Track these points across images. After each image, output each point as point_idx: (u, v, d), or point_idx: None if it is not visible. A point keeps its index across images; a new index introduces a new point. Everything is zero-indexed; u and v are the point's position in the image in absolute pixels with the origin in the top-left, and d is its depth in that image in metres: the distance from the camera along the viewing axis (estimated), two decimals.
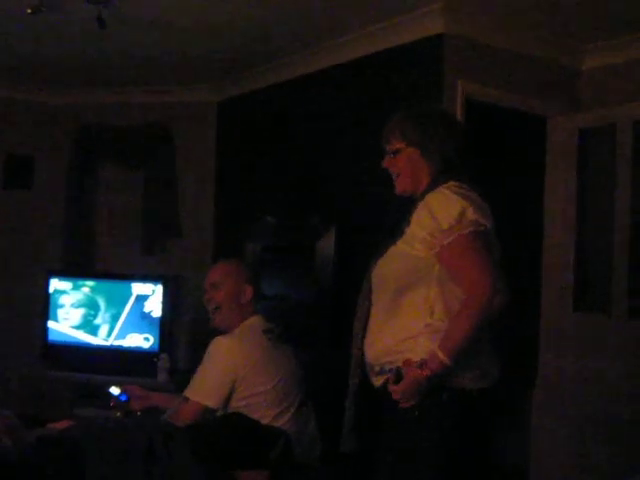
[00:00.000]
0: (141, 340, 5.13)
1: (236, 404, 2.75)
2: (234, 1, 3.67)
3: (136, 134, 5.42)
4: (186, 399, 2.78)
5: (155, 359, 5.00)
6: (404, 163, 2.30)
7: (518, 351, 4.13)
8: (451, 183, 2.19)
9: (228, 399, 2.75)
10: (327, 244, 4.15)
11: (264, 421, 2.74)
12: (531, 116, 4.12)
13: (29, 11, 3.51)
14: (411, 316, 2.15)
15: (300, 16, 3.84)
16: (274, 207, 4.74)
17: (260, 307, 4.42)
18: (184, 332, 5.25)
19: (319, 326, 4.13)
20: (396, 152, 2.31)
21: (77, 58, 4.74)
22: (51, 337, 5.25)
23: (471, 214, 2.09)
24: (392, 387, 2.12)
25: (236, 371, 2.74)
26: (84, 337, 5.20)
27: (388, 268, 2.25)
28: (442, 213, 2.11)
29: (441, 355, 2.04)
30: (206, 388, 2.76)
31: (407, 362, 2.10)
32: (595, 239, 4.06)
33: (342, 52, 4.21)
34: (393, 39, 3.88)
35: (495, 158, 4.14)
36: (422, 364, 2.06)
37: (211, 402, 2.73)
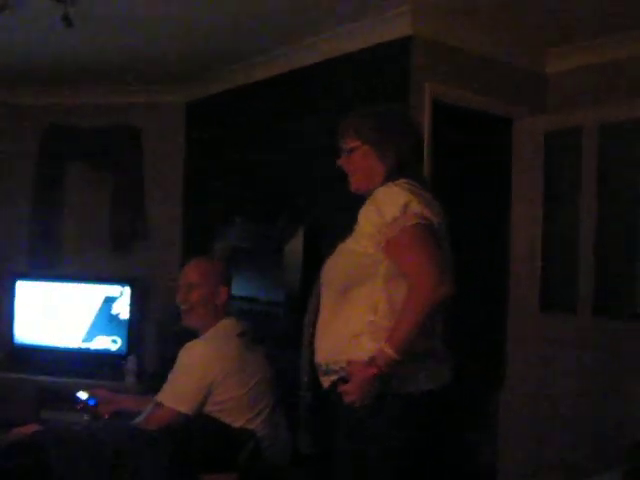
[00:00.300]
0: (109, 342, 5.09)
1: (210, 408, 2.73)
2: (202, 1, 3.66)
3: (103, 135, 5.38)
4: (160, 404, 2.75)
5: (123, 361, 4.97)
6: (359, 161, 2.31)
7: (485, 352, 4.18)
8: (402, 180, 2.19)
9: (203, 404, 2.72)
10: (295, 245, 4.15)
11: (237, 424, 2.73)
12: (498, 118, 4.15)
13: None
14: (355, 314, 2.15)
15: (268, 17, 3.83)
16: (242, 208, 4.73)
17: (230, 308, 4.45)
18: (152, 334, 5.22)
19: (288, 327, 4.12)
20: (351, 150, 2.32)
21: (44, 58, 4.68)
22: (17, 340, 5.19)
23: (415, 206, 2.09)
24: (342, 388, 2.11)
25: (211, 377, 2.71)
26: (51, 340, 5.14)
27: (334, 265, 2.25)
28: (387, 206, 2.11)
29: (388, 350, 2.03)
30: (180, 394, 2.73)
31: (350, 363, 2.10)
32: (561, 241, 4.10)
33: (309, 54, 4.21)
34: (361, 41, 3.89)
35: (462, 160, 4.17)
36: (370, 361, 2.05)
37: (185, 408, 2.69)
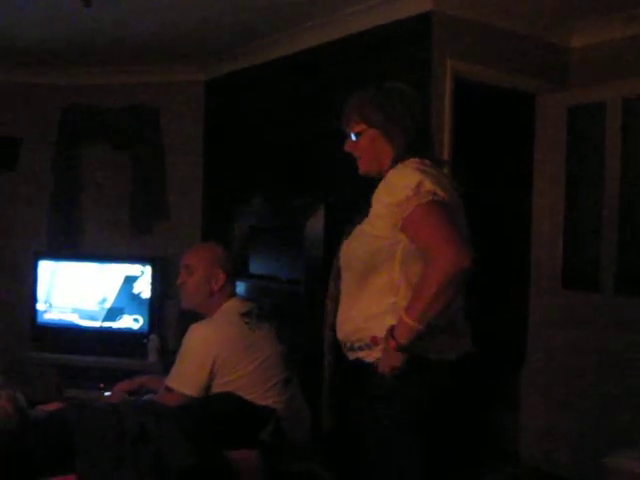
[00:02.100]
0: (131, 321, 5.13)
1: (219, 389, 2.75)
2: None
3: (123, 115, 5.38)
4: (168, 388, 2.79)
5: (145, 340, 5.01)
6: (366, 145, 2.28)
7: (507, 330, 4.16)
8: (412, 160, 2.17)
9: (209, 386, 2.76)
10: (316, 223, 4.15)
11: (249, 400, 2.74)
12: (520, 94, 4.11)
13: None
14: (376, 296, 2.15)
15: None
16: (262, 187, 4.72)
17: (248, 286, 4.47)
18: (173, 313, 5.24)
19: (308, 304, 4.13)
20: (357, 135, 2.29)
21: (63, 38, 4.68)
22: (40, 319, 5.23)
23: (427, 185, 2.07)
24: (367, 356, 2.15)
25: (213, 357, 2.74)
26: (73, 319, 5.18)
27: (353, 249, 2.25)
28: (399, 187, 2.10)
29: (407, 319, 2.02)
30: (186, 377, 2.77)
31: (374, 339, 2.12)
32: (584, 217, 4.07)
33: (329, 31, 4.18)
34: (381, 17, 3.85)
35: (484, 136, 4.13)
36: (389, 333, 2.06)
37: (191, 390, 2.73)
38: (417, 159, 2.18)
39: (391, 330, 2.06)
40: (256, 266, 4.74)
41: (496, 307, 4.00)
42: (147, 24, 4.37)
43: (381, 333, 2.10)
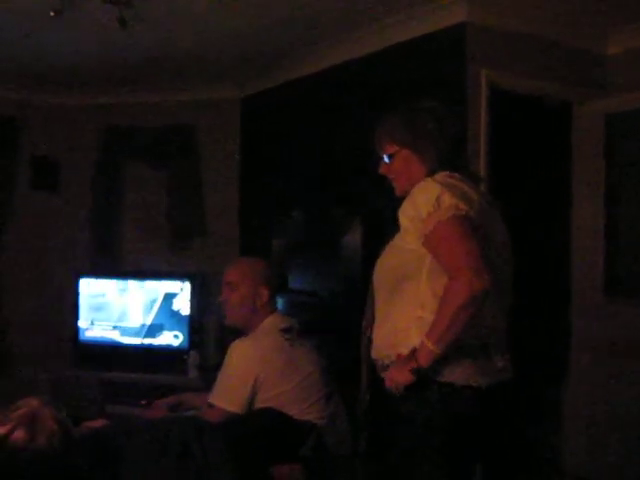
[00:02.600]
0: (171, 338, 5.16)
1: (261, 405, 2.76)
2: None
3: (160, 133, 5.45)
4: (211, 405, 2.80)
5: (185, 356, 5.03)
6: (400, 166, 2.29)
7: (548, 344, 4.10)
8: (440, 174, 2.19)
9: (251, 402, 2.76)
10: (354, 237, 4.15)
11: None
12: (557, 103, 4.07)
13: (52, 13, 3.52)
14: (404, 310, 2.15)
15: (321, 9, 3.82)
16: (299, 202, 4.74)
17: (286, 301, 4.47)
18: (213, 329, 5.26)
19: (347, 319, 4.12)
20: (390, 157, 2.30)
21: (100, 60, 4.76)
22: (82, 337, 5.30)
23: (447, 199, 2.06)
24: (384, 374, 2.15)
25: (255, 374, 2.74)
26: (114, 336, 5.24)
27: (383, 264, 2.26)
28: (421, 201, 2.10)
29: (428, 343, 2.02)
30: (228, 393, 2.78)
31: (399, 357, 2.11)
32: (625, 225, 4.01)
33: (364, 44, 4.19)
34: (415, 29, 3.85)
35: (521, 146, 4.09)
36: (411, 354, 2.06)
37: (234, 407, 2.74)
38: (446, 172, 2.19)
39: (414, 351, 2.06)
40: (295, 281, 4.75)
41: (537, 321, 3.94)
42: (183, 44, 4.42)
43: (406, 349, 2.09)
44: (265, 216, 5.07)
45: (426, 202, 2.08)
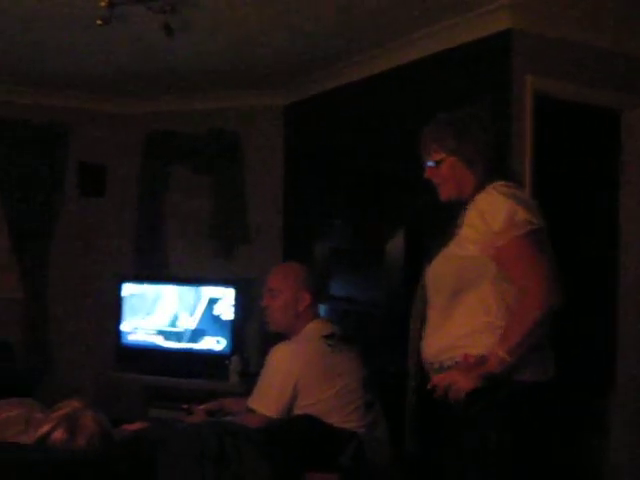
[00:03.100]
0: (213, 343, 5.19)
1: (301, 411, 2.74)
2: (298, 4, 3.67)
3: (204, 140, 5.49)
4: (250, 409, 2.79)
5: (226, 362, 5.06)
6: (447, 172, 2.31)
7: (594, 350, 4.02)
8: (498, 183, 2.19)
9: (290, 408, 2.74)
10: (396, 246, 4.12)
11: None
12: (604, 110, 4.00)
13: (99, 22, 3.57)
14: (468, 315, 2.16)
15: (366, 16, 3.82)
16: (342, 209, 4.73)
17: (328, 309, 4.46)
18: (255, 334, 5.28)
19: (388, 327, 4.10)
20: (437, 163, 2.31)
21: (146, 67, 4.83)
22: (124, 340, 5.36)
23: (522, 214, 2.08)
24: (440, 377, 2.15)
25: (296, 380, 2.73)
26: (157, 340, 5.28)
27: (442, 270, 2.26)
28: (492, 214, 2.11)
29: (502, 353, 2.04)
30: (268, 398, 2.76)
31: (466, 356, 2.12)
32: None
33: (409, 52, 4.18)
34: (459, 37, 3.83)
35: (567, 155, 4.03)
36: (482, 360, 2.08)
37: (273, 412, 2.72)
38: (503, 182, 2.20)
39: (482, 358, 2.08)
40: (337, 288, 4.74)
41: (583, 327, 3.86)
42: (227, 51, 4.45)
43: (477, 351, 2.10)
44: (308, 223, 5.07)
45: (498, 216, 2.10)
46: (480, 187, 2.22)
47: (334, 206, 4.83)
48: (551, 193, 3.69)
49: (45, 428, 2.10)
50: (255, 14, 3.82)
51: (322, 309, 4.31)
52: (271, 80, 5.16)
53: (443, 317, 2.22)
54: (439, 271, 2.27)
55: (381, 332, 4.17)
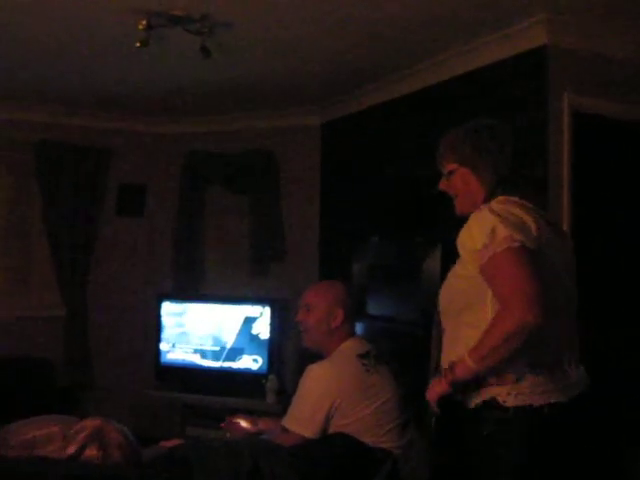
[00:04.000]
0: (250, 362, 5.20)
1: (336, 430, 2.73)
2: (334, 24, 3.70)
3: (241, 159, 5.54)
4: (285, 429, 2.79)
5: (264, 380, 5.06)
6: (459, 184, 2.28)
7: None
8: (498, 199, 2.17)
9: (326, 428, 2.73)
10: (433, 264, 4.10)
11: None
12: None
13: (138, 44, 3.63)
14: (470, 337, 2.12)
15: (400, 35, 3.83)
16: (380, 226, 4.73)
17: (364, 327, 4.45)
18: (292, 354, 5.29)
19: (425, 347, 4.06)
20: (450, 174, 2.29)
21: (184, 88, 4.89)
22: (163, 359, 5.40)
23: (501, 231, 2.03)
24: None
25: (330, 400, 2.72)
26: (194, 359, 5.31)
27: (447, 292, 2.25)
28: (476, 232, 2.09)
29: (468, 360, 2.04)
30: (303, 418, 2.75)
31: (477, 380, 2.10)
32: None
33: (443, 70, 4.18)
34: (494, 54, 3.82)
35: (607, 172, 3.98)
36: (450, 368, 2.09)
37: (309, 432, 2.71)
38: (503, 197, 2.17)
39: (452, 364, 2.09)
40: (374, 306, 4.73)
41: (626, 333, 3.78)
42: (263, 71, 4.49)
43: (480, 374, 2.08)
44: (345, 241, 5.07)
45: (481, 233, 2.06)
46: (487, 201, 2.19)
47: (371, 224, 4.83)
48: (590, 211, 3.65)
49: (73, 448, 2.13)
50: (291, 36, 3.85)
51: (359, 327, 4.32)
52: (308, 100, 5.20)
53: (452, 339, 2.21)
54: (445, 294, 2.26)
55: (417, 351, 4.14)
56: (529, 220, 2.10)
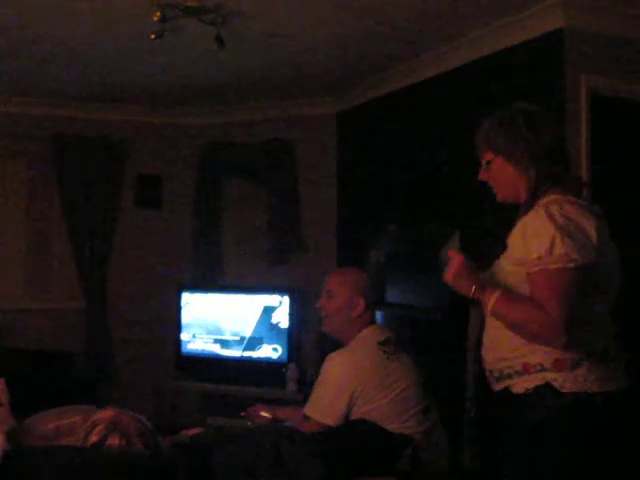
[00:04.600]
0: (270, 351, 5.22)
1: (357, 417, 2.73)
2: (349, 11, 3.68)
3: (258, 149, 5.55)
4: (306, 417, 2.80)
5: (284, 369, 5.08)
6: (497, 174, 2.22)
7: None
8: (552, 196, 2.09)
9: (347, 415, 2.74)
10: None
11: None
12: None
13: (153, 36, 3.64)
14: None
15: (416, 21, 3.81)
16: (397, 214, 4.72)
17: (384, 315, 4.45)
18: (311, 342, 5.30)
19: (445, 333, 4.06)
20: (488, 163, 2.23)
21: (199, 79, 4.90)
22: (184, 349, 5.43)
23: (559, 247, 1.96)
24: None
25: (351, 387, 2.72)
26: (215, 348, 5.34)
27: (492, 281, 2.17)
28: (533, 240, 2.01)
29: (492, 299, 2.04)
30: (324, 406, 2.76)
31: (525, 366, 2.07)
32: None
33: (460, 55, 4.16)
34: (511, 38, 3.79)
35: (625, 153, 3.94)
36: (482, 288, 2.09)
37: (330, 420, 2.72)
38: (557, 196, 2.09)
39: (484, 288, 2.08)
40: (393, 294, 4.72)
41: None
42: (278, 61, 4.49)
43: (535, 359, 2.05)
44: (363, 230, 5.07)
45: (538, 244, 2.00)
46: (533, 198, 2.12)
47: (388, 212, 4.82)
48: (609, 193, 3.62)
49: (95, 437, 2.15)
50: (305, 24, 3.84)
51: (378, 315, 4.32)
52: (323, 88, 5.18)
53: (499, 326, 2.14)
54: (490, 281, 2.18)
55: (437, 338, 4.14)
56: (590, 227, 2.03)
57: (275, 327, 5.22)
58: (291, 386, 5.02)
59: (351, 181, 5.33)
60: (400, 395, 2.77)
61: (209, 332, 5.37)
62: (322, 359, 2.89)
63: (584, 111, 3.56)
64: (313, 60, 4.49)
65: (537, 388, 2.05)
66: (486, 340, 2.21)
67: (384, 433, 2.65)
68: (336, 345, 2.97)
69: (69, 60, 4.45)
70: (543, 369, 2.04)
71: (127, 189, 5.72)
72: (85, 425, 2.27)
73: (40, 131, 5.44)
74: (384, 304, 4.66)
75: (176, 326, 5.45)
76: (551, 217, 2.00)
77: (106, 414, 2.24)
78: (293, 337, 5.22)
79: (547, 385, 2.03)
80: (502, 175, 2.21)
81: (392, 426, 2.71)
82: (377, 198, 4.96)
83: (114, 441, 2.12)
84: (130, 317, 5.63)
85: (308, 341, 5.34)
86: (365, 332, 2.92)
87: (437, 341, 4.13)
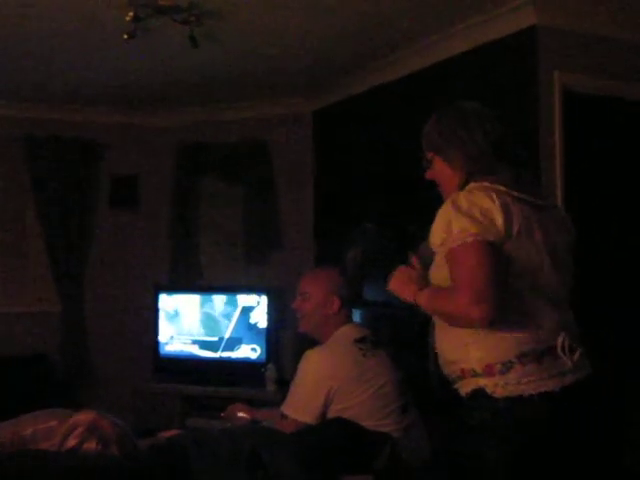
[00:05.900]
0: (248, 351, 5.21)
1: (335, 415, 2.74)
2: (320, 13, 3.68)
3: (233, 149, 5.53)
4: (283, 415, 2.80)
5: (263, 369, 5.07)
6: (437, 172, 2.23)
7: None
8: (468, 186, 2.09)
9: (324, 413, 2.74)
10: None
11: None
12: (635, 104, 3.94)
13: (125, 36, 3.62)
14: (453, 328, 2.09)
15: (389, 18, 3.82)
16: (373, 214, 4.72)
17: (362, 313, 4.45)
18: (290, 342, 5.29)
19: (423, 331, 4.07)
20: (429, 162, 2.25)
21: (174, 79, 4.87)
22: (161, 351, 5.40)
23: (455, 225, 1.97)
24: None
25: (328, 385, 2.73)
26: (193, 349, 5.32)
27: (432, 278, 2.19)
28: (436, 227, 2.05)
29: (421, 296, 2.11)
30: (301, 404, 2.77)
31: (462, 372, 2.08)
32: None
33: (433, 52, 4.17)
34: (484, 36, 3.81)
35: (598, 150, 3.98)
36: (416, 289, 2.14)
37: (307, 418, 2.72)
38: (473, 184, 2.08)
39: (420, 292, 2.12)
40: (371, 293, 4.73)
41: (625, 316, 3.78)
42: (252, 60, 4.48)
43: (468, 365, 2.06)
44: (340, 228, 5.06)
45: (439, 228, 2.02)
46: (461, 188, 2.11)
47: (365, 210, 4.82)
48: (583, 190, 3.65)
49: (73, 442, 2.13)
50: (279, 23, 3.84)
51: (356, 313, 4.32)
52: (299, 87, 5.18)
53: (441, 328, 2.15)
54: (431, 279, 2.19)
55: (415, 335, 4.14)
56: (495, 209, 1.99)
57: (253, 327, 5.21)
58: (270, 386, 5.01)
59: (328, 180, 5.33)
60: (377, 392, 2.77)
61: (187, 333, 5.35)
62: (299, 356, 2.89)
63: (557, 107, 3.59)
64: (287, 59, 4.48)
65: (474, 392, 2.07)
66: (437, 344, 2.21)
67: (362, 431, 2.65)
68: (315, 344, 2.97)
69: (42, 60, 4.41)
70: (476, 374, 2.05)
71: (102, 190, 5.68)
72: (63, 427, 2.25)
73: (13, 132, 5.39)
74: (362, 302, 4.66)
75: (153, 328, 5.41)
76: (454, 203, 2.02)
77: (85, 417, 2.22)
78: (271, 337, 5.21)
79: (481, 390, 2.04)
80: (441, 174, 2.22)
81: (370, 423, 2.71)
82: (354, 196, 4.96)
83: (91, 445, 2.10)
84: (107, 319, 5.60)
85: (287, 341, 5.33)
86: (341, 330, 2.92)
87: (416, 339, 4.14)
